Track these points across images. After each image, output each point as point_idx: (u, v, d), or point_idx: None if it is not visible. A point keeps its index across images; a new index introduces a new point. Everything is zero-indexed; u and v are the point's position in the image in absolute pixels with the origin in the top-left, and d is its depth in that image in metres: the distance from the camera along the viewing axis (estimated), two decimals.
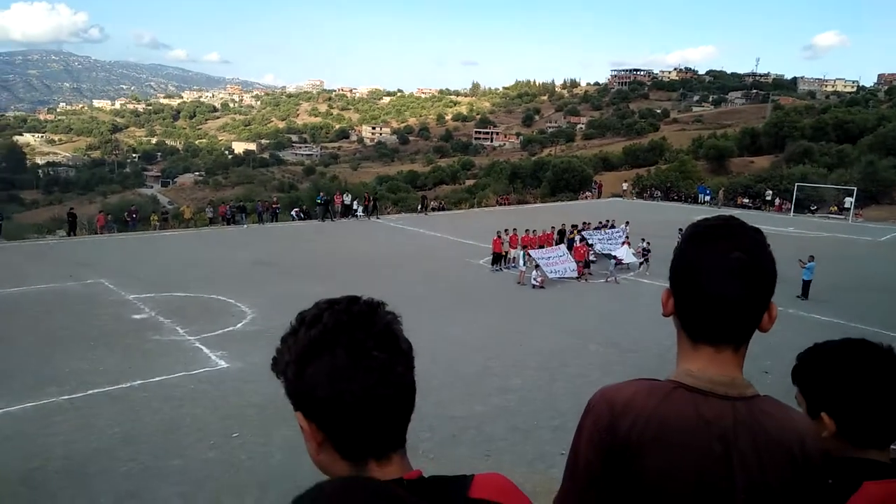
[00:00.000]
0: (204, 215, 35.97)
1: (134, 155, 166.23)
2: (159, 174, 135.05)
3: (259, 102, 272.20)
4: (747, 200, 45.84)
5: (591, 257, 23.86)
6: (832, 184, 44.10)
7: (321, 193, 37.76)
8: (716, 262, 1.29)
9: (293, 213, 36.73)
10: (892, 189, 45.53)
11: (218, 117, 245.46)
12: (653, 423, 1.29)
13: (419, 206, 41.71)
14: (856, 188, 40.36)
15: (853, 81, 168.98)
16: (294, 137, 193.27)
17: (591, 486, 1.37)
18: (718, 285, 1.28)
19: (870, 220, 39.79)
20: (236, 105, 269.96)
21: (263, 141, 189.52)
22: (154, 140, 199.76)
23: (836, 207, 41.99)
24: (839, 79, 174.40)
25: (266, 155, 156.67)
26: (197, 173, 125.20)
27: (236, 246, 27.30)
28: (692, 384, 1.31)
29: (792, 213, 41.09)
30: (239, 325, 16.55)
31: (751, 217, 35.14)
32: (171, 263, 23.57)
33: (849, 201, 40.61)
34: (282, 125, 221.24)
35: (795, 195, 41.72)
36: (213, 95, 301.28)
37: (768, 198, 44.76)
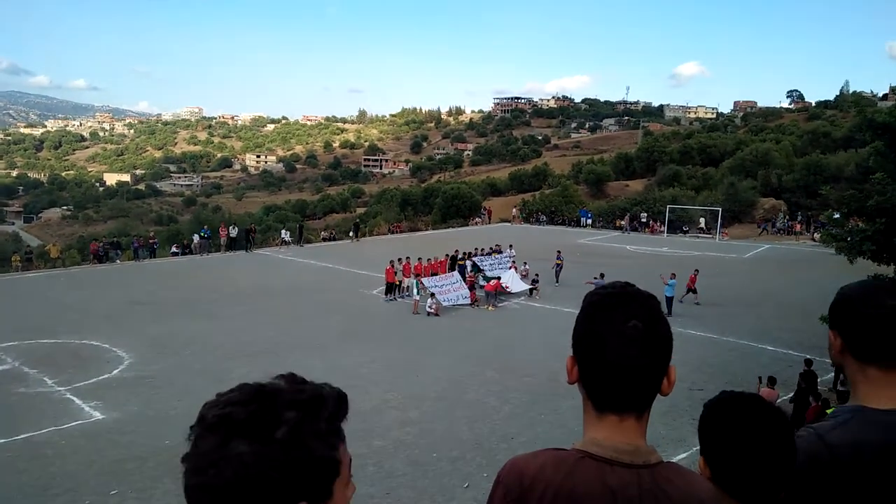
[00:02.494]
0: (73, 253, 33.45)
1: None
2: (21, 209, 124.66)
3: (132, 131, 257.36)
4: (624, 222, 48.33)
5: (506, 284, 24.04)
6: (700, 205, 47.46)
7: (204, 227, 36.21)
8: (614, 331, 1.33)
9: (173, 247, 34.88)
10: (752, 208, 49.55)
11: (87, 147, 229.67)
12: (561, 494, 1.30)
13: (351, 233, 41.19)
14: (720, 208, 43.61)
15: (713, 108, 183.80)
16: (172, 167, 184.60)
17: None
18: (618, 354, 1.32)
19: (734, 238, 43.07)
20: (107, 134, 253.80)
21: (138, 171, 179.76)
22: (14, 173, 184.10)
23: (704, 227, 45.22)
24: (700, 106, 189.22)
25: (142, 186, 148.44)
26: (64, 207, 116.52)
27: (110, 286, 25.55)
28: (598, 453, 1.33)
29: (665, 234, 43.75)
30: (115, 371, 15.42)
31: (629, 238, 37.00)
32: (36, 308, 21.69)
33: (702, 220, 44.17)
34: (158, 154, 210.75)
35: (668, 216, 44.53)
36: (81, 124, 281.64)
37: (643, 220, 47.47)
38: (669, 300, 21.18)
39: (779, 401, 12.78)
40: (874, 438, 1.56)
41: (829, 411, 10.30)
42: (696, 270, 23.80)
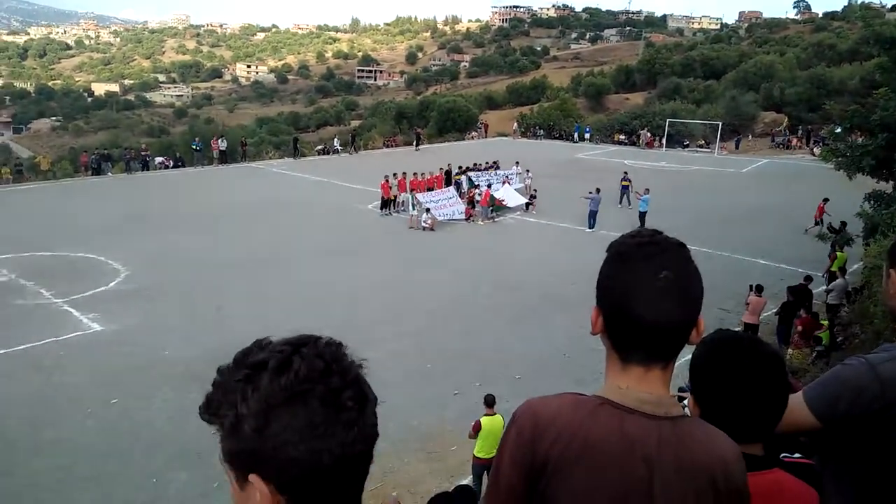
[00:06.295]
0: (65, 164, 32.94)
1: None
2: (10, 120, 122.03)
3: (119, 39, 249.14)
4: (623, 137, 47.66)
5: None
6: (700, 119, 46.67)
7: (196, 139, 35.61)
8: (644, 283, 1.26)
9: (159, 160, 33.87)
10: (752, 122, 48.76)
11: (72, 56, 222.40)
12: (576, 440, 1.26)
13: (340, 146, 40.91)
14: (720, 123, 42.92)
15: (717, 19, 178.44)
16: (161, 77, 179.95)
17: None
18: (650, 308, 1.25)
19: (734, 152, 42.56)
20: (93, 42, 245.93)
21: (127, 82, 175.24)
22: (0, 82, 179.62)
23: (703, 141, 44.67)
24: (704, 16, 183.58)
25: (131, 97, 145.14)
26: (54, 118, 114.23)
27: (104, 198, 25.35)
28: (619, 401, 1.28)
29: (665, 149, 43.23)
30: (112, 283, 15.51)
31: (626, 153, 36.41)
32: (30, 220, 21.57)
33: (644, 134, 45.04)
34: (146, 64, 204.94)
35: (667, 131, 43.86)
36: (66, 31, 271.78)
37: (643, 134, 46.73)
38: (642, 215, 20.94)
39: (765, 313, 12.94)
40: None
41: (823, 322, 10.28)
42: (826, 199, 20.57)
